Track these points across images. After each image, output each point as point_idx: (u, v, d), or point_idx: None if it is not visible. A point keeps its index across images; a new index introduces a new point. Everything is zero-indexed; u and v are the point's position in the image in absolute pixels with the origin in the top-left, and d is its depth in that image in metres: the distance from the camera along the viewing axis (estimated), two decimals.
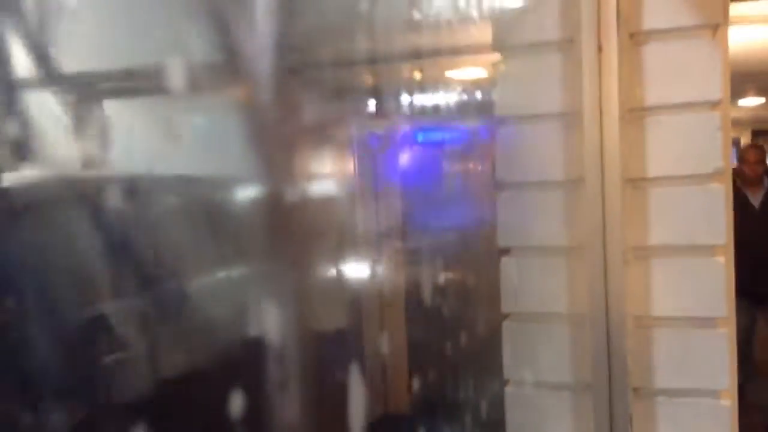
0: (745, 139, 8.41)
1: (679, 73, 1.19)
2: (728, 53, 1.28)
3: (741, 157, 3.81)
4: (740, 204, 3.73)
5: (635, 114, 1.20)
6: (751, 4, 2.93)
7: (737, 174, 3.79)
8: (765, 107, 6.88)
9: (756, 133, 8.36)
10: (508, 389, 1.29)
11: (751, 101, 6.17)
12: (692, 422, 1.20)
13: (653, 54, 1.19)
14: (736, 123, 7.86)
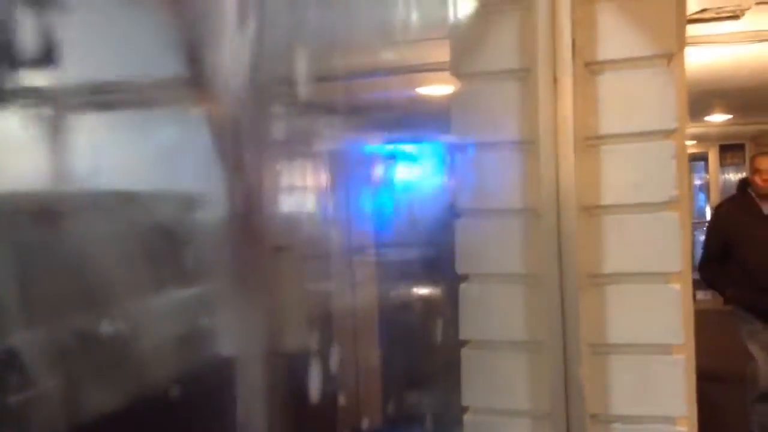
0: (712, 154, 8.57)
1: (634, 102, 1.20)
2: (685, 81, 1.29)
3: (752, 167, 3.58)
4: (754, 216, 3.51)
5: (590, 142, 1.21)
6: (714, 25, 2.97)
7: (749, 184, 3.59)
8: (732, 123, 7.01)
9: (723, 148, 8.52)
10: (467, 416, 1.28)
11: (717, 117, 6.27)
12: None
13: (608, 83, 1.20)
14: (704, 138, 7.98)
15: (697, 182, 9.13)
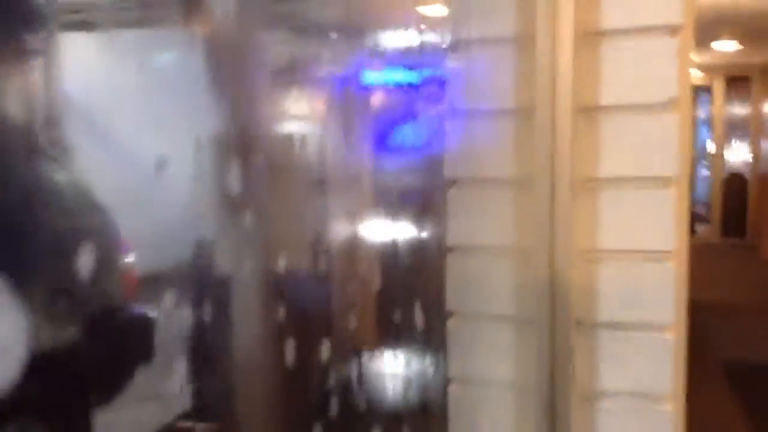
0: (718, 86, 8.39)
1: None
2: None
3: None
4: None
5: (590, 38, 1.14)
6: None
7: None
8: (741, 54, 6.83)
9: (729, 80, 8.33)
10: (451, 321, 1.26)
11: (724, 45, 6.12)
12: (635, 355, 1.18)
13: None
14: (709, 69, 7.82)
15: (701, 115, 8.92)
